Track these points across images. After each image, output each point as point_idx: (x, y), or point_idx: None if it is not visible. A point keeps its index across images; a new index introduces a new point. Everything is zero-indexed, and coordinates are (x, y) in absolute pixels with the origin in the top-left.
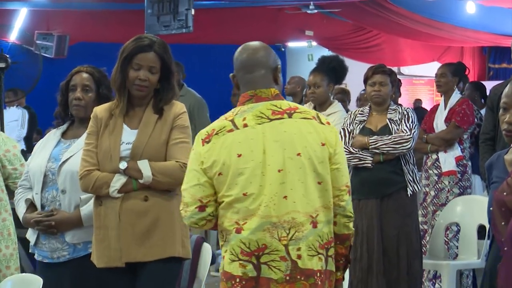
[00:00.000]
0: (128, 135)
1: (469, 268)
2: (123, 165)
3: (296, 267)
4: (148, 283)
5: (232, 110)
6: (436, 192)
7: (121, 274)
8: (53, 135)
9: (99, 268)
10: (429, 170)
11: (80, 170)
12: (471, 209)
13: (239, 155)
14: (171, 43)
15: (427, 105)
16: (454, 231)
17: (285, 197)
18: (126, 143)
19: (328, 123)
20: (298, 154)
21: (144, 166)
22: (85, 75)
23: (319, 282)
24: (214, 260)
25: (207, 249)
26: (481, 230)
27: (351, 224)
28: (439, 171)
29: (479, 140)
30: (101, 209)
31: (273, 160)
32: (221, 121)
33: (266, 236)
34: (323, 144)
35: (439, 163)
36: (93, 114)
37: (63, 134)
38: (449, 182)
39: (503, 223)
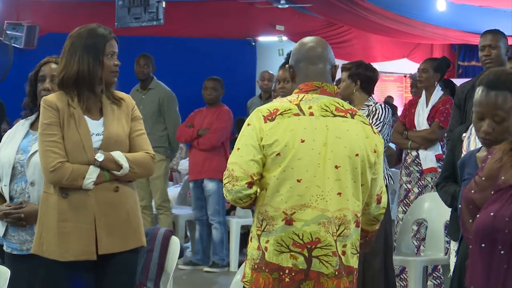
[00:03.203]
0: (94, 126)
1: (435, 264)
2: (100, 156)
3: (342, 263)
4: (117, 273)
5: (295, 95)
6: (420, 189)
7: (88, 266)
8: (22, 126)
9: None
10: (409, 167)
11: (49, 162)
12: (439, 206)
13: (303, 141)
14: (142, 35)
15: (397, 102)
16: (415, 230)
17: (339, 193)
18: (96, 134)
19: (378, 133)
20: (357, 155)
21: (121, 158)
22: (54, 65)
23: (354, 281)
24: (182, 254)
25: (175, 242)
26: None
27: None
28: (420, 168)
29: (445, 138)
30: (67, 201)
31: (333, 155)
32: (285, 103)
33: (321, 230)
34: (374, 151)
35: (419, 160)
36: (49, 104)
37: (32, 125)
38: (432, 179)
39: (470, 220)
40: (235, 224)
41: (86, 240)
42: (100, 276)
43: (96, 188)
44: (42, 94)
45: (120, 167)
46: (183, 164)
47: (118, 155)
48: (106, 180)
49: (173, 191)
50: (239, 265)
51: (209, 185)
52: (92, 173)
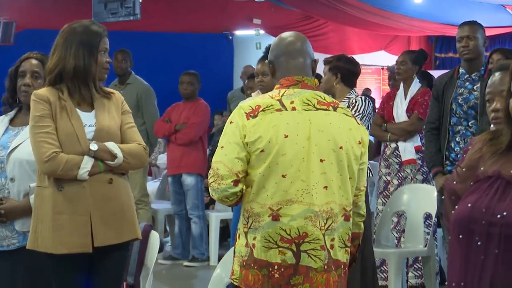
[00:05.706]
0: (86, 118)
1: (415, 256)
2: (94, 146)
3: (330, 257)
4: (110, 266)
5: (276, 90)
6: (400, 181)
7: (81, 259)
8: (1, 122)
9: (58, 254)
10: (389, 159)
11: (43, 152)
12: (417, 198)
13: (286, 136)
14: (119, 30)
15: (374, 94)
16: (395, 222)
17: (326, 187)
18: (89, 126)
19: (362, 124)
20: (341, 148)
21: (115, 148)
22: (34, 61)
23: (343, 274)
24: (161, 248)
25: (155, 237)
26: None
27: (362, 224)
28: (400, 159)
29: (424, 130)
30: (62, 194)
31: (317, 149)
32: (267, 99)
33: (308, 224)
34: (359, 143)
35: (399, 152)
36: (40, 97)
37: (11, 121)
38: (411, 170)
39: (453, 211)
40: (214, 218)
41: (82, 232)
42: (93, 269)
43: (91, 180)
44: (22, 90)
45: (114, 156)
46: (162, 159)
47: (112, 145)
48: (100, 170)
49: (152, 185)
50: (219, 259)
51: (188, 180)
52: (87, 163)
